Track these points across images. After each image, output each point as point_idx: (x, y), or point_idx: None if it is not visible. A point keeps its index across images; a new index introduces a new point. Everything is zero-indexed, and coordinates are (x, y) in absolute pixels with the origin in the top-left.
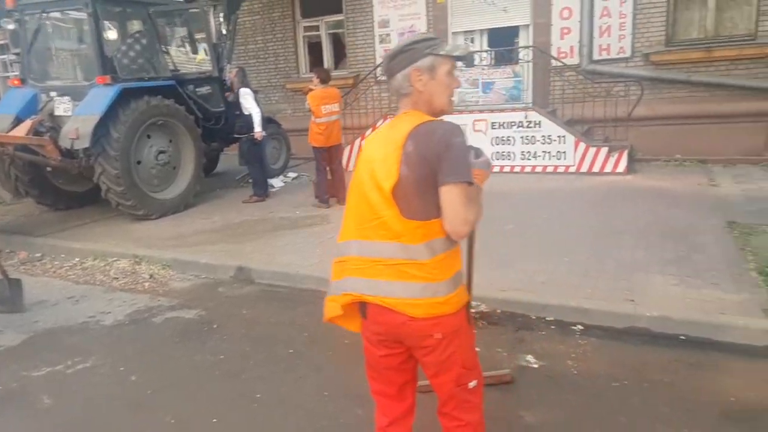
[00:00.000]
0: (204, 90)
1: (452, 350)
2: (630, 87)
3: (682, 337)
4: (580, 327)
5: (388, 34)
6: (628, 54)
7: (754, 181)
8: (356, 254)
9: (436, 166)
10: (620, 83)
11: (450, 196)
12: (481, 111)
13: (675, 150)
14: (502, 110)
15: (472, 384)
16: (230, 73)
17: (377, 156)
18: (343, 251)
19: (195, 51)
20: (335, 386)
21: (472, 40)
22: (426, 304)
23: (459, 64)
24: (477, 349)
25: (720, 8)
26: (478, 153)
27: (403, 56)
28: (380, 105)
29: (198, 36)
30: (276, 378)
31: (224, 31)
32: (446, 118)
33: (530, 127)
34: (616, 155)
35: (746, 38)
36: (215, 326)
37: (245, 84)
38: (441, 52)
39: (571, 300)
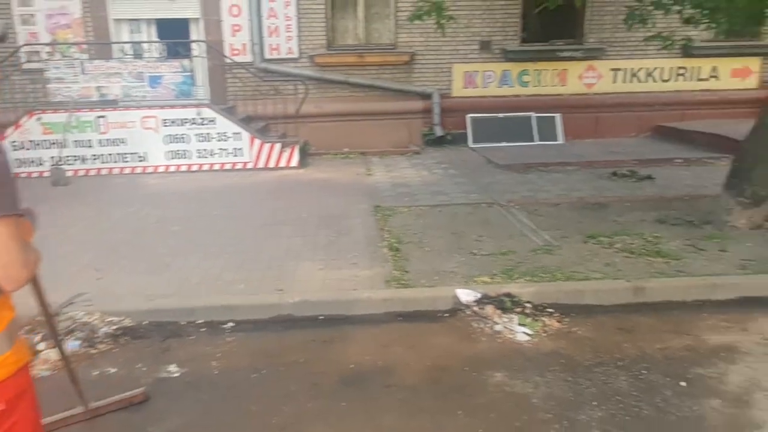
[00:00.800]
0: None
1: (15, 419)
2: (298, 86)
3: (321, 317)
4: (231, 324)
5: (32, 15)
6: (296, 55)
7: (400, 169)
8: None
9: None
10: (290, 82)
11: None
12: (150, 107)
13: (342, 144)
14: (173, 107)
15: None
16: None
17: None
18: None
19: None
20: None
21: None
22: None
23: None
24: (113, 369)
25: (368, 20)
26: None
27: None
28: (25, 98)
29: None
30: None
31: None
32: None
33: (205, 125)
34: (288, 150)
35: (389, 47)
36: None
37: None
38: None
39: (220, 299)
